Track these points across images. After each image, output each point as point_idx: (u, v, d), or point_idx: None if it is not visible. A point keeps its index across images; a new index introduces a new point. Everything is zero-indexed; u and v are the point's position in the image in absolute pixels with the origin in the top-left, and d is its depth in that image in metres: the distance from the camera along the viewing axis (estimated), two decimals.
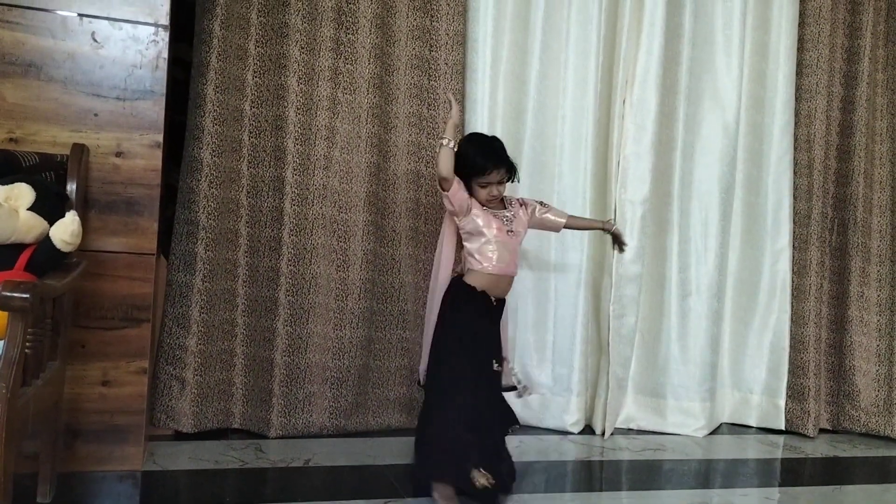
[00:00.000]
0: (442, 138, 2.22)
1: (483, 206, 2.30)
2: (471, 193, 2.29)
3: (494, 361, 2.27)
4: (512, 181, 2.36)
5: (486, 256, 2.28)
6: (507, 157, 2.31)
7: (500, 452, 2.27)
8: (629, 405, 3.31)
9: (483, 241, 2.29)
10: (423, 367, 2.39)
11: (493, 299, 2.31)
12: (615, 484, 2.66)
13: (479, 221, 2.29)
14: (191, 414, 2.68)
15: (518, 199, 2.44)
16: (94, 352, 2.25)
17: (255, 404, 2.79)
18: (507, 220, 2.33)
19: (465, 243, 2.34)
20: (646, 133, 3.13)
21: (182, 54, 2.74)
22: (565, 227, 2.51)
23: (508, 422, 2.35)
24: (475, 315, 2.27)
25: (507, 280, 2.34)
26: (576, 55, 3.15)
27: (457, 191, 2.23)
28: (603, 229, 2.60)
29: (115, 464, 2.27)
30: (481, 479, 2.05)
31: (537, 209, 2.44)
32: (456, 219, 2.32)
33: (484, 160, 2.26)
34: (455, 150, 2.22)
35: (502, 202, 2.37)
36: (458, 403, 2.14)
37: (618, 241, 2.58)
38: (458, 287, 2.31)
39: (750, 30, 3.41)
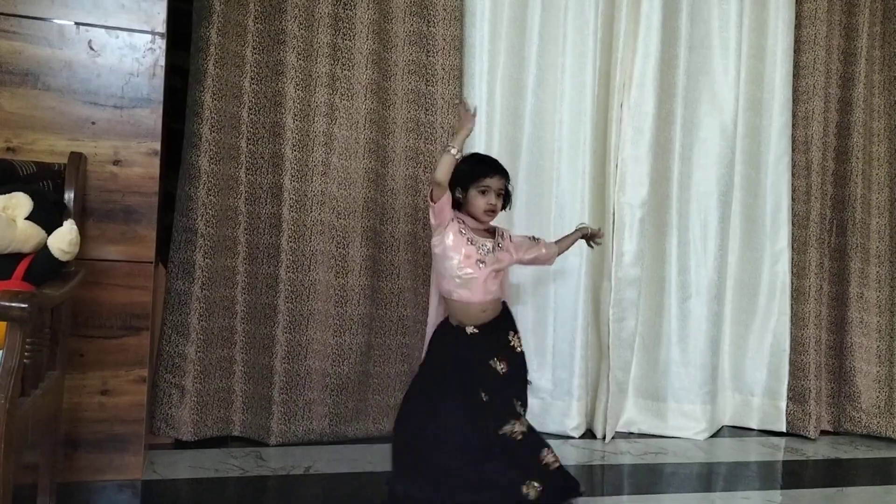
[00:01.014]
0: (450, 146, 2.13)
1: (474, 224, 2.27)
2: (467, 207, 2.27)
3: (482, 391, 2.19)
4: (505, 208, 2.34)
5: (453, 282, 2.25)
6: (507, 171, 2.31)
7: (484, 482, 2.17)
8: (630, 409, 3.31)
9: (448, 266, 2.24)
10: None
11: (467, 329, 2.26)
12: (617, 488, 2.66)
13: (449, 242, 2.23)
14: (191, 422, 2.68)
15: (508, 233, 2.40)
16: (93, 361, 2.24)
17: (255, 412, 2.79)
18: (482, 250, 2.26)
19: (436, 270, 2.31)
20: (644, 136, 3.13)
21: (180, 62, 2.74)
22: (558, 253, 2.51)
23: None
24: (449, 350, 2.24)
25: (477, 309, 2.26)
26: (573, 59, 3.15)
27: (444, 205, 2.19)
28: (581, 238, 2.59)
29: (115, 473, 2.27)
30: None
31: (531, 245, 2.42)
32: (433, 235, 2.26)
33: (485, 167, 2.27)
34: (459, 159, 2.17)
35: (493, 233, 2.33)
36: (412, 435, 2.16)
37: (592, 239, 2.60)
38: (438, 329, 2.30)
39: (747, 32, 3.41)
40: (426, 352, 2.33)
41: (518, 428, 2.23)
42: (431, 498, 2.11)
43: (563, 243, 2.56)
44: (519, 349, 2.33)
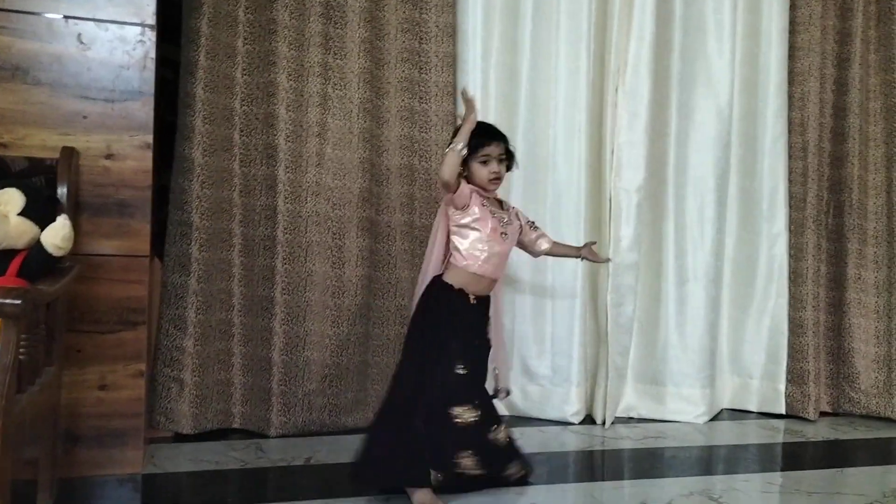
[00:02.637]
0: (455, 143, 2.12)
1: (484, 193, 2.28)
2: (471, 179, 2.26)
3: (460, 365, 2.20)
4: (510, 169, 2.35)
5: (473, 255, 2.25)
6: (504, 134, 2.30)
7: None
8: (629, 394, 3.31)
9: (473, 239, 2.25)
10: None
11: (471, 297, 2.27)
12: (617, 473, 2.66)
13: (478, 214, 2.25)
14: (190, 415, 2.68)
15: (514, 208, 2.43)
16: (91, 356, 2.24)
17: (255, 404, 2.79)
18: (503, 222, 2.30)
19: (453, 237, 2.29)
20: (639, 121, 3.12)
21: (171, 54, 2.72)
22: (547, 252, 2.49)
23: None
24: (447, 316, 2.23)
25: (488, 282, 2.30)
26: (567, 45, 3.13)
27: (462, 188, 2.21)
28: (577, 256, 2.57)
29: (116, 467, 2.26)
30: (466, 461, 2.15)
31: (528, 229, 2.44)
32: (451, 210, 2.27)
33: (482, 136, 2.24)
34: (465, 155, 2.16)
35: (501, 204, 2.35)
36: (411, 409, 2.16)
37: (595, 260, 2.58)
38: (435, 287, 2.28)
39: (741, 14, 3.39)
40: (422, 309, 2.29)
41: (501, 436, 2.30)
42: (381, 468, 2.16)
43: (560, 248, 2.54)
44: (489, 335, 2.38)
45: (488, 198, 2.32)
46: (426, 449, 2.14)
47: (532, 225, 2.47)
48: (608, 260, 2.57)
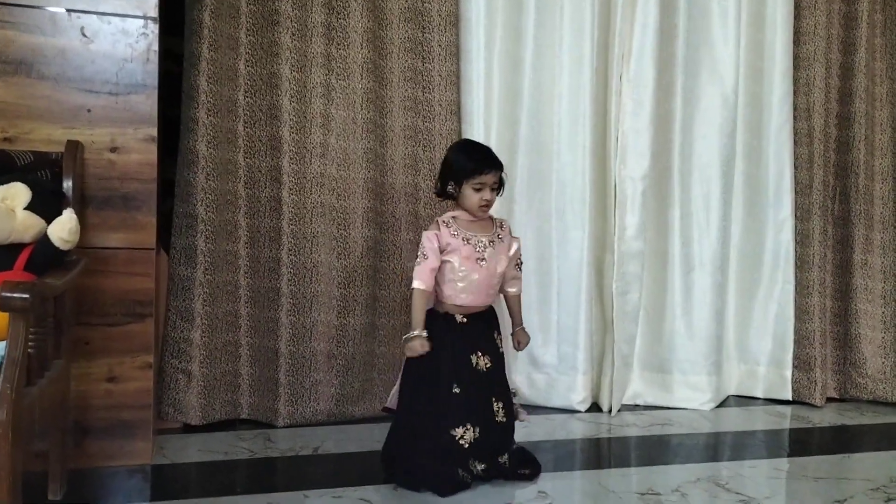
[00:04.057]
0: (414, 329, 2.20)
1: (468, 217, 2.27)
2: (460, 201, 2.27)
3: (454, 385, 2.20)
4: (499, 194, 2.32)
5: (451, 287, 2.25)
6: (501, 163, 2.28)
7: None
8: (635, 381, 3.32)
9: (448, 270, 2.24)
10: (393, 394, 2.37)
11: (457, 317, 2.26)
12: (624, 460, 2.67)
13: (450, 245, 2.23)
14: (198, 406, 2.69)
15: (510, 230, 2.38)
16: (99, 348, 2.25)
17: (262, 394, 2.80)
18: (479, 247, 2.25)
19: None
20: (644, 108, 3.11)
21: (174, 46, 2.72)
22: (507, 295, 2.41)
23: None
24: (436, 339, 2.21)
25: (476, 310, 2.29)
26: (571, 32, 3.12)
27: (425, 246, 2.23)
28: (514, 325, 2.46)
29: (125, 459, 2.28)
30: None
31: (513, 264, 2.37)
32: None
33: (481, 163, 2.24)
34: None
35: (490, 224, 2.32)
36: (418, 434, 2.20)
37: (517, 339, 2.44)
38: (427, 316, 2.26)
39: None
40: None
41: (508, 463, 2.28)
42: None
43: (515, 307, 2.44)
44: (501, 349, 2.35)
45: (463, 224, 2.28)
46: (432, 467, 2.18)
47: (518, 264, 2.40)
48: (522, 346, 2.46)
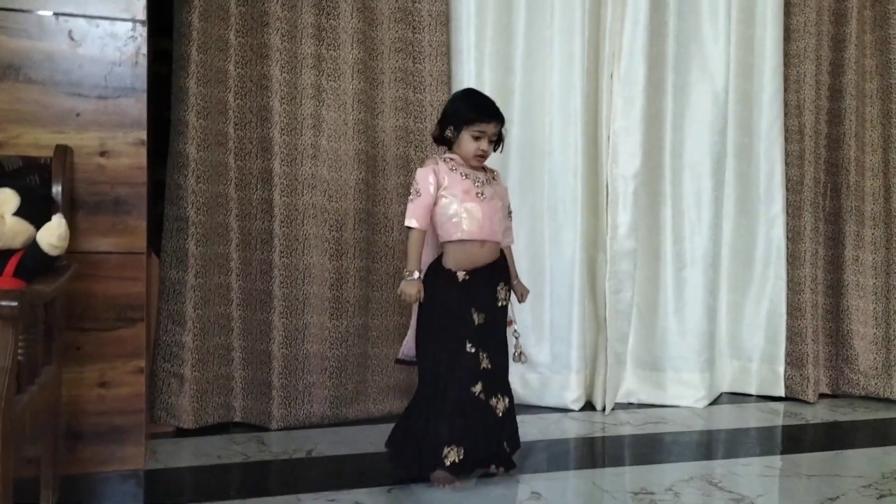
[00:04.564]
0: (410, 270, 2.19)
1: (461, 163, 2.24)
2: (457, 146, 2.24)
3: (468, 342, 2.18)
4: (497, 150, 2.32)
5: (452, 223, 2.21)
6: (503, 115, 2.27)
7: (493, 430, 2.23)
8: (629, 379, 3.32)
9: (447, 204, 2.20)
10: (406, 344, 2.34)
11: (458, 274, 2.22)
12: (618, 459, 2.67)
13: (446, 181, 2.20)
14: (191, 410, 2.68)
15: (497, 177, 2.36)
16: (90, 353, 2.24)
17: (255, 397, 2.80)
18: (477, 183, 2.23)
19: (434, 218, 2.25)
20: (635, 106, 3.11)
21: (165, 46, 2.71)
22: (501, 248, 2.37)
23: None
24: (441, 298, 2.20)
25: (484, 249, 2.23)
26: (561, 31, 3.12)
27: (420, 183, 2.21)
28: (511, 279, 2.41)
29: (118, 464, 2.27)
30: (452, 455, 2.12)
31: (506, 210, 2.37)
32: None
33: (483, 112, 2.23)
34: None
35: (483, 169, 2.30)
36: (439, 393, 2.17)
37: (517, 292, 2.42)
38: (430, 269, 2.25)
39: None
40: (426, 295, 2.25)
41: (501, 405, 2.25)
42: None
43: (509, 257, 2.41)
44: (502, 303, 2.30)
45: (459, 164, 2.25)
46: (448, 432, 2.14)
47: (509, 213, 2.39)
48: (524, 298, 2.45)
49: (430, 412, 2.17)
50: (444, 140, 2.29)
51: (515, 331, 2.40)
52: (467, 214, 2.20)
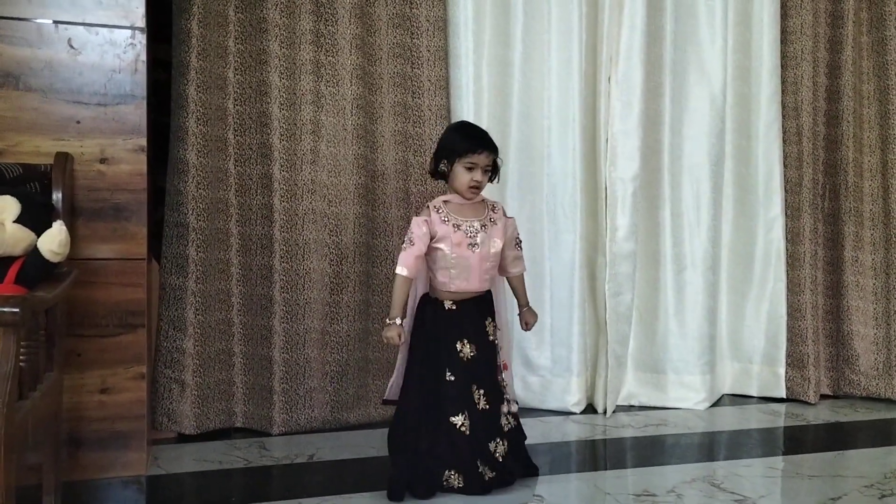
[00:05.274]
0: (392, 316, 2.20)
1: (458, 200, 2.25)
2: (451, 181, 2.25)
3: (448, 371, 2.19)
4: (493, 180, 2.32)
5: (445, 273, 2.24)
6: (496, 146, 2.28)
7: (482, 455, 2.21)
8: (630, 382, 3.32)
9: (438, 257, 2.23)
10: (392, 383, 2.36)
11: (445, 304, 2.26)
12: (619, 462, 2.67)
13: (439, 233, 2.22)
14: (192, 415, 2.69)
15: (504, 211, 2.36)
16: (91, 360, 2.25)
17: (257, 402, 2.80)
18: (471, 232, 2.23)
19: (428, 264, 2.29)
20: (633, 110, 3.12)
21: (164, 54, 2.72)
22: (511, 276, 2.41)
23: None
24: (429, 326, 2.23)
25: (473, 295, 2.27)
26: (558, 35, 3.13)
27: (414, 232, 2.21)
28: (520, 307, 2.46)
29: (120, 470, 2.28)
30: (452, 480, 2.16)
31: (512, 244, 2.36)
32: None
33: (474, 143, 2.23)
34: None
35: (482, 208, 2.31)
36: (425, 423, 2.19)
37: (525, 323, 2.46)
38: (421, 300, 2.29)
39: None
40: (412, 325, 2.32)
41: (500, 449, 2.24)
42: (399, 477, 2.18)
43: (519, 286, 2.45)
44: (492, 337, 2.31)
45: (454, 209, 2.26)
46: (422, 464, 2.17)
47: (518, 243, 2.39)
48: (530, 326, 2.47)
49: (419, 441, 2.19)
50: (439, 173, 2.29)
51: (503, 379, 2.37)
52: (458, 270, 2.23)
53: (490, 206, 2.33)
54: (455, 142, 2.25)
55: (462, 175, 2.23)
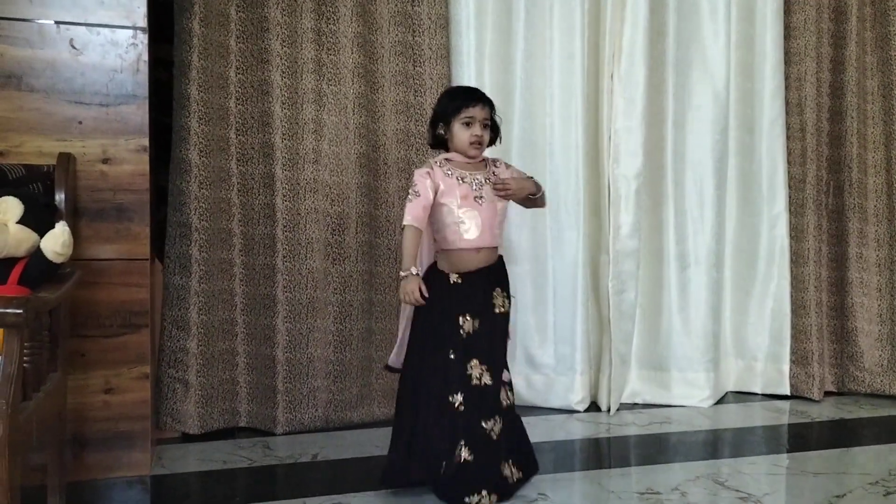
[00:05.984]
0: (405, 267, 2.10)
1: (464, 157, 2.19)
2: (452, 143, 2.20)
3: (451, 351, 2.11)
4: (494, 142, 2.27)
5: (452, 230, 2.15)
6: (490, 99, 2.22)
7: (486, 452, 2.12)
8: (633, 380, 3.32)
9: (445, 213, 2.15)
10: (395, 352, 2.28)
11: (451, 277, 2.17)
12: (623, 460, 2.67)
13: (443, 187, 2.14)
14: (196, 415, 2.69)
15: (505, 163, 2.30)
16: (95, 360, 2.25)
17: (260, 402, 2.80)
18: (476, 185, 2.18)
19: (431, 222, 2.20)
20: (636, 106, 3.11)
21: (165, 55, 2.72)
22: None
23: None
24: (434, 301, 2.11)
25: (477, 254, 2.17)
26: (561, 32, 3.12)
27: (417, 184, 2.15)
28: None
29: (124, 470, 2.28)
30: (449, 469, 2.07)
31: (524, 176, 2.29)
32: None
33: (466, 97, 2.19)
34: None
35: (484, 163, 2.25)
36: (424, 402, 2.13)
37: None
38: (427, 273, 2.20)
39: None
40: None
41: (496, 427, 2.14)
42: (401, 465, 2.14)
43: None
44: (500, 309, 2.21)
45: (458, 166, 2.20)
46: (425, 446, 2.11)
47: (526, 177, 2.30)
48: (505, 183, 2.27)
49: (417, 420, 2.13)
50: (439, 142, 2.25)
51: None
52: (468, 223, 2.16)
53: (491, 163, 2.27)
54: (447, 103, 2.21)
55: (461, 133, 2.17)
